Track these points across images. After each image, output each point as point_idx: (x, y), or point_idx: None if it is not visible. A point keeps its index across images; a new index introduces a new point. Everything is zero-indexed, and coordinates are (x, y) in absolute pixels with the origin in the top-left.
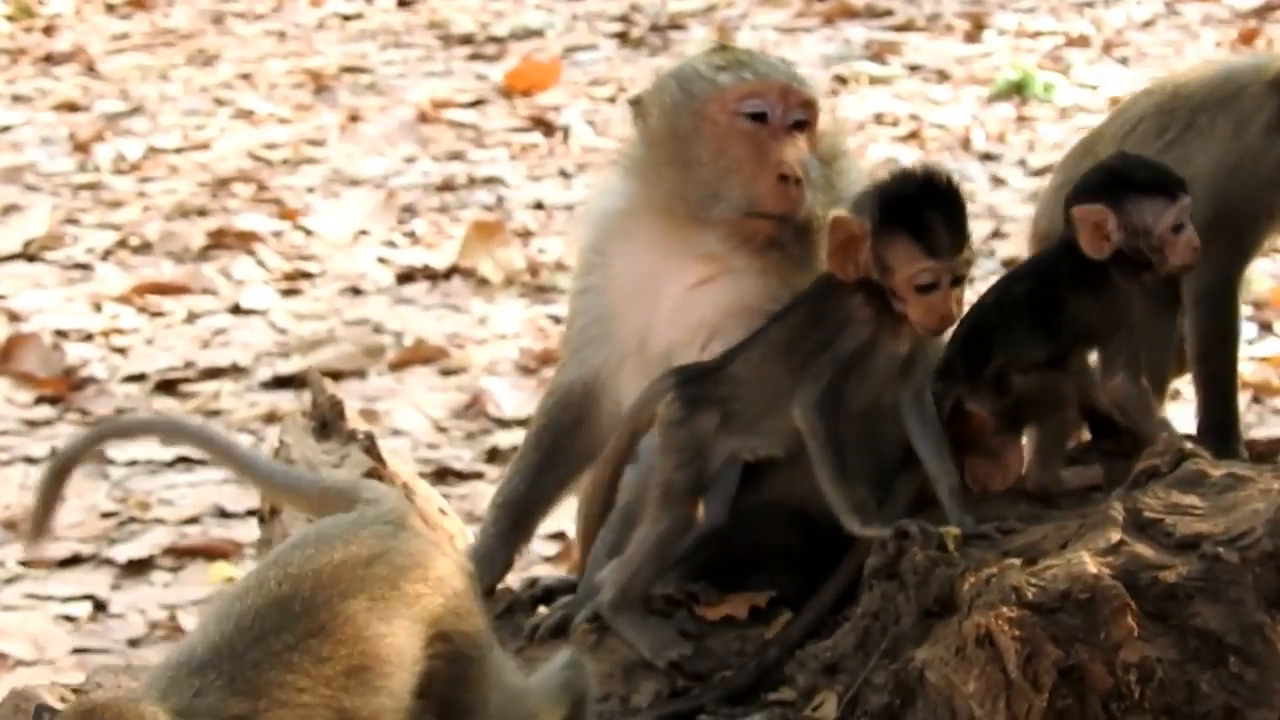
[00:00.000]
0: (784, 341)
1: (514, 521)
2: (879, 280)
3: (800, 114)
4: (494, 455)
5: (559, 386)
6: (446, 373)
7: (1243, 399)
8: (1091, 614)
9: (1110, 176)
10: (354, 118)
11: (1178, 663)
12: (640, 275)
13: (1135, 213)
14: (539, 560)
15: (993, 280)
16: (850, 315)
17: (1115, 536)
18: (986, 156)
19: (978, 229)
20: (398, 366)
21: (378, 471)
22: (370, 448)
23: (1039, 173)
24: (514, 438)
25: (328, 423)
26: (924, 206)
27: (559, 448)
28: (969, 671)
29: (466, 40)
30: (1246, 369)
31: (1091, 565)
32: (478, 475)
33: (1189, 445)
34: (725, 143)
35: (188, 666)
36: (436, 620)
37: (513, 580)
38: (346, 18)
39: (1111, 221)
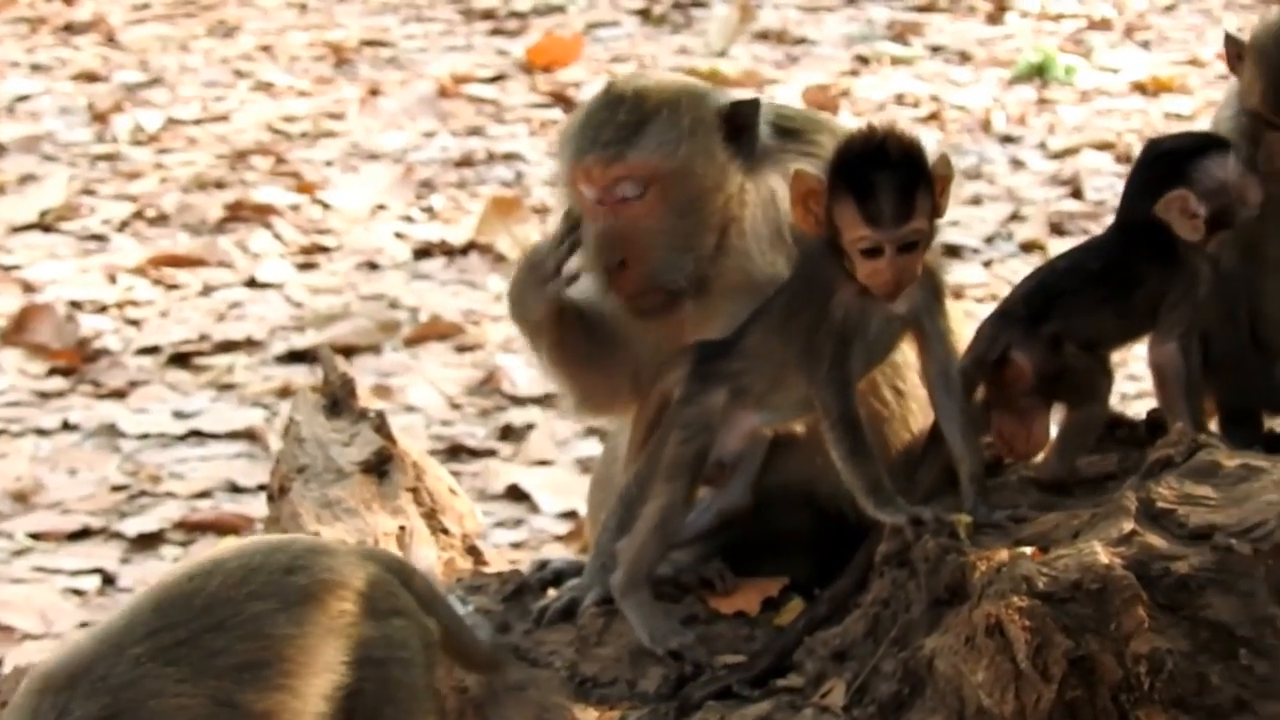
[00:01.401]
0: (780, 314)
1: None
2: (833, 237)
3: (625, 189)
4: (508, 433)
5: None
6: (462, 349)
7: None
8: (1103, 604)
9: (1167, 160)
10: (374, 91)
11: (1188, 654)
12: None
13: (1206, 178)
14: (550, 539)
15: (1011, 263)
16: (835, 281)
17: (1128, 526)
18: (1007, 139)
19: (998, 211)
20: (413, 342)
21: (388, 449)
22: (380, 426)
23: (1059, 155)
24: (528, 415)
25: (338, 400)
26: (874, 171)
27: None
28: (978, 661)
29: (488, 15)
30: None
31: (1103, 555)
32: (491, 453)
33: (1203, 435)
34: (582, 215)
35: (61, 676)
36: (364, 642)
37: (523, 562)
38: None
39: (1191, 199)
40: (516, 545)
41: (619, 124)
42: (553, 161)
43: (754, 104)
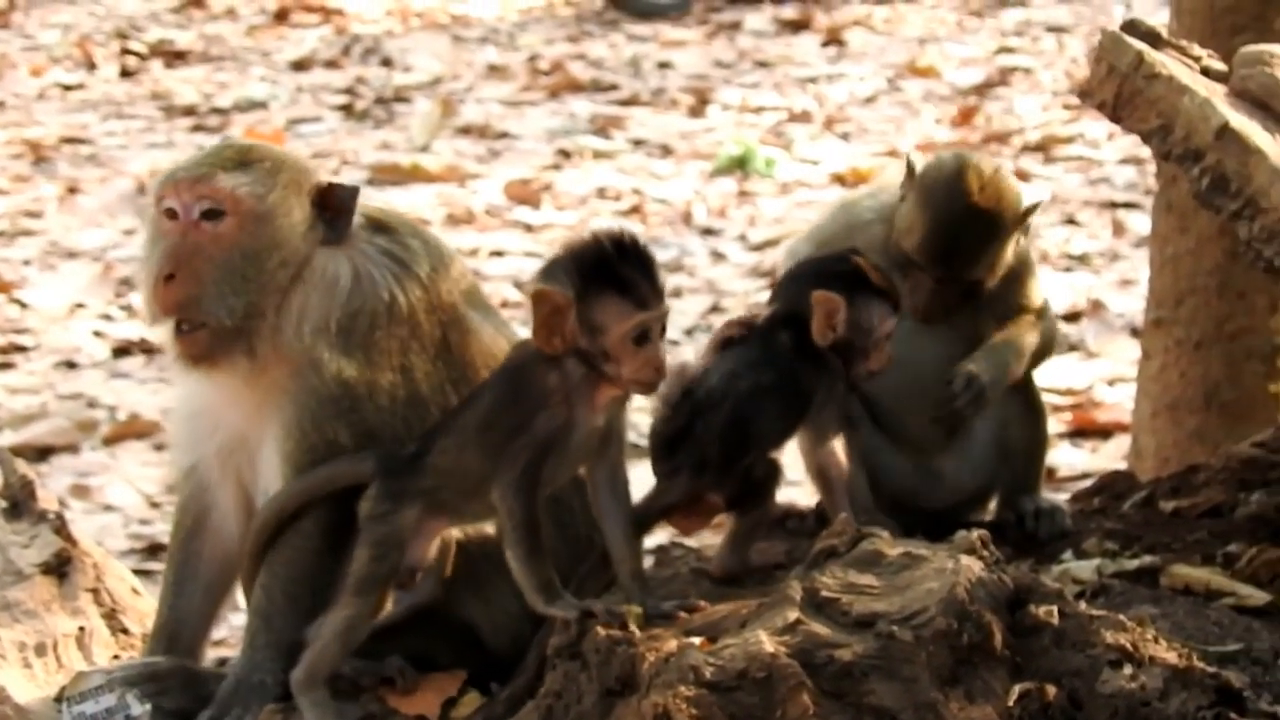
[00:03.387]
0: (476, 427)
1: (165, 646)
2: (587, 347)
3: (207, 204)
4: None
5: (179, 486)
6: (161, 447)
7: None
8: (768, 692)
9: (853, 272)
10: (73, 189)
11: None
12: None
13: (864, 311)
14: None
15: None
16: (547, 395)
17: (793, 615)
18: (708, 231)
19: (697, 303)
20: (111, 441)
21: (67, 551)
22: (60, 528)
23: (759, 247)
24: None
25: (19, 502)
26: (622, 264)
27: (188, 553)
28: None
29: (189, 111)
30: None
31: (768, 644)
32: None
33: (865, 526)
34: (154, 245)
35: None
36: None
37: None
38: (68, 88)
39: (843, 312)
40: (217, 643)
41: (223, 156)
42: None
43: (354, 191)
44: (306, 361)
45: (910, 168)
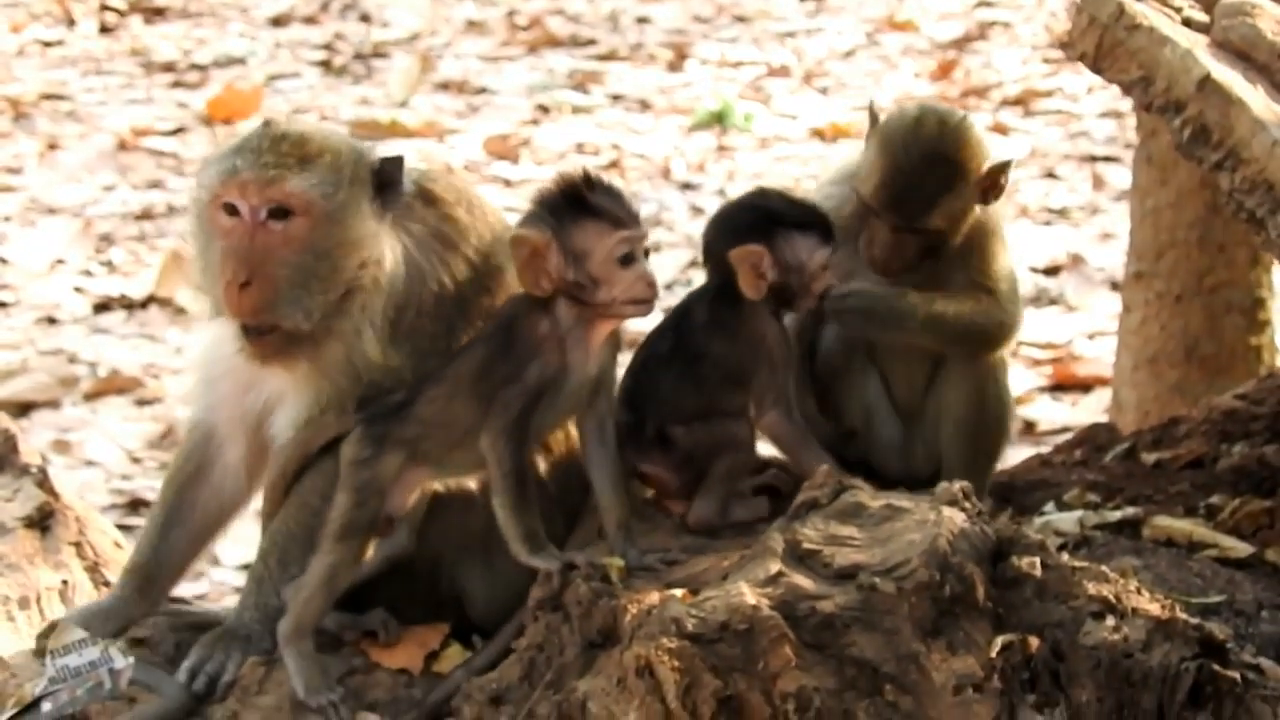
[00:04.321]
0: (470, 376)
1: (139, 585)
2: (575, 279)
3: (274, 213)
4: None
5: (185, 434)
6: (142, 403)
7: None
8: (750, 644)
9: (763, 215)
10: (53, 145)
11: (835, 691)
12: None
13: (789, 250)
14: (231, 591)
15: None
16: (540, 343)
17: (774, 568)
18: (686, 186)
19: (676, 258)
20: (92, 397)
21: (50, 504)
22: (43, 481)
23: None
24: None
25: (1, 457)
26: (593, 194)
27: (182, 500)
28: (630, 702)
29: (168, 68)
30: None
31: (750, 596)
32: None
33: (847, 477)
34: (211, 240)
35: None
36: None
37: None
38: (47, 44)
39: (767, 260)
40: (199, 598)
41: (283, 152)
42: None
43: (399, 161)
44: (355, 349)
45: (874, 116)
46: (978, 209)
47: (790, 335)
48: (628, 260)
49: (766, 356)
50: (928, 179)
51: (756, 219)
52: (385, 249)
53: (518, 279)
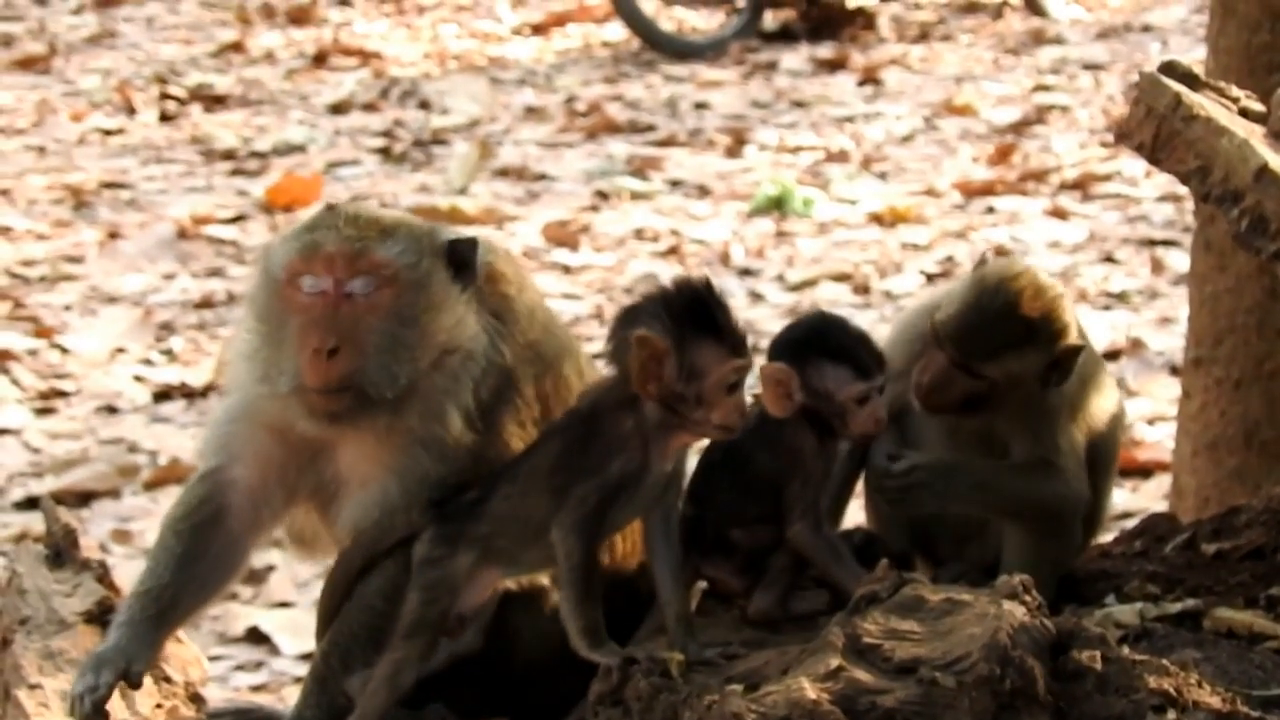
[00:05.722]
0: (547, 469)
1: (159, 609)
2: (681, 391)
3: (359, 285)
4: (248, 575)
5: (196, 481)
6: None
7: None
8: None
9: (801, 338)
10: (113, 234)
11: None
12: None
13: (817, 377)
14: (291, 681)
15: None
16: (625, 440)
17: (835, 662)
18: (745, 272)
19: None
20: (152, 486)
21: (110, 599)
22: (103, 576)
23: (797, 288)
24: (268, 557)
25: (61, 551)
26: (716, 311)
27: (196, 544)
28: None
29: (228, 155)
30: None
31: (811, 691)
32: (231, 595)
33: (907, 573)
34: (285, 317)
35: None
36: None
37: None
38: (108, 133)
39: (795, 381)
40: (257, 689)
41: (361, 226)
42: (258, 268)
43: (474, 243)
44: (435, 425)
45: (983, 259)
46: (1037, 385)
47: (837, 454)
48: (733, 388)
49: (801, 469)
50: (1000, 327)
51: (794, 340)
52: (470, 319)
53: (633, 377)
